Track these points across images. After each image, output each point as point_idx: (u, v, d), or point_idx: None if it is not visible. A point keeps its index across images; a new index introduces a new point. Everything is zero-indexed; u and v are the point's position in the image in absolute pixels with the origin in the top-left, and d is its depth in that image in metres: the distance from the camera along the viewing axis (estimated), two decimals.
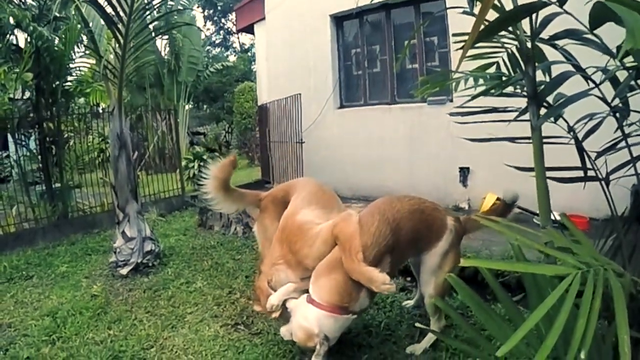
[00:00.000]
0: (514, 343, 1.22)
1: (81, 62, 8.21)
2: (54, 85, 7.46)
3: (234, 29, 33.46)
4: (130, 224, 5.28)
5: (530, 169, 2.42)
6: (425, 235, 3.06)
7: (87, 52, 7.88)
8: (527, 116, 2.55)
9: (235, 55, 29.74)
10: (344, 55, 9.20)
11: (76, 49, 7.65)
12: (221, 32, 34.58)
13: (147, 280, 4.89)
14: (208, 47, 29.20)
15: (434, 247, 3.08)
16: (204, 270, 5.04)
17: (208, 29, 34.04)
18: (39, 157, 7.61)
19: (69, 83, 8.03)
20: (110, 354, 3.38)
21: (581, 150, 2.66)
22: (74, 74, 8.18)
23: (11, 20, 6.71)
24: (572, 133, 2.69)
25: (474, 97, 2.87)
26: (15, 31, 7.02)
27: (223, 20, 33.90)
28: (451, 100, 7.42)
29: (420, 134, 7.79)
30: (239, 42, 34.93)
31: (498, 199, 6.43)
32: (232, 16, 31.44)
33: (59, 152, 7.65)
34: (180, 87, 14.72)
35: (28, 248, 6.37)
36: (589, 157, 2.66)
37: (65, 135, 8.49)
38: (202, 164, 10.38)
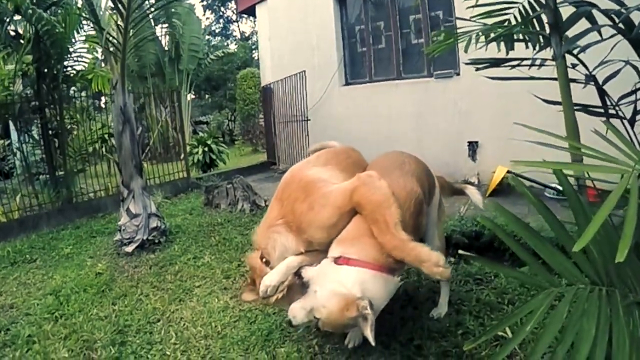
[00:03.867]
0: (589, 237, 1.06)
1: (82, 47, 8.06)
2: (55, 71, 7.31)
3: (234, 17, 33.29)
4: (135, 201, 5.15)
5: (557, 103, 2.30)
6: (431, 186, 2.87)
7: (88, 37, 7.75)
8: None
9: (235, 44, 29.49)
10: (348, 32, 9.09)
11: (77, 35, 7.53)
12: (221, 20, 34.35)
13: (153, 257, 4.77)
14: (208, 37, 29.00)
15: (434, 198, 2.92)
16: (212, 246, 4.91)
17: (208, 18, 33.88)
18: (42, 143, 7.47)
19: (69, 68, 7.87)
20: (114, 328, 3.27)
21: (602, 92, 2.54)
22: (75, 59, 8.00)
23: (9, 6, 6.55)
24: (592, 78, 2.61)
25: (489, 42, 2.71)
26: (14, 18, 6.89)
27: (222, 9, 33.69)
28: (458, 74, 7.31)
29: (428, 109, 7.67)
30: (239, 30, 34.73)
31: (508, 171, 6.28)
32: (232, 4, 31.23)
33: (62, 137, 7.52)
34: (181, 76, 14.57)
35: (32, 233, 6.27)
36: (610, 99, 2.55)
37: (68, 126, 8.37)
38: (206, 149, 10.28)
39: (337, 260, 2.22)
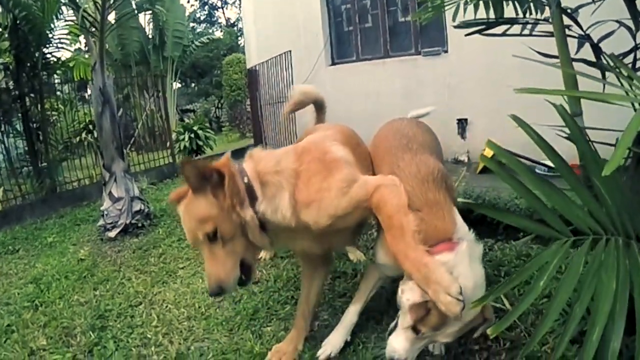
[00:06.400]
0: (621, 156, 0.95)
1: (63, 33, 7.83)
2: (34, 58, 7.12)
3: (219, 4, 32.88)
4: (117, 184, 4.99)
5: (554, 56, 2.19)
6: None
7: (70, 25, 7.54)
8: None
9: (221, 31, 29.12)
10: (334, 11, 8.98)
11: (56, 21, 7.33)
12: (205, 7, 33.87)
13: (137, 241, 4.64)
14: (193, 24, 28.58)
15: None
16: None
17: (192, 5, 33.35)
18: (23, 133, 7.28)
19: (49, 55, 7.66)
20: (95, 313, 3.15)
21: (597, 50, 2.42)
22: (55, 45, 7.78)
23: None
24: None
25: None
26: None
27: None
28: (446, 51, 7.25)
29: (416, 87, 7.59)
30: (225, 16, 34.37)
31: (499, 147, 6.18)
32: None
33: (44, 126, 7.34)
34: (166, 63, 14.36)
35: (16, 225, 6.11)
36: (606, 58, 2.44)
37: (53, 117, 8.18)
38: (192, 135, 10.12)
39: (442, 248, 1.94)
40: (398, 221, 1.92)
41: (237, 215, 1.95)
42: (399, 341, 1.90)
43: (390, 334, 1.99)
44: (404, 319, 1.90)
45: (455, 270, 1.82)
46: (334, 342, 2.33)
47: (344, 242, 2.49)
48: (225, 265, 1.94)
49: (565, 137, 1.61)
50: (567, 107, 1.93)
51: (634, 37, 2.37)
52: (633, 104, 1.63)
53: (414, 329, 1.86)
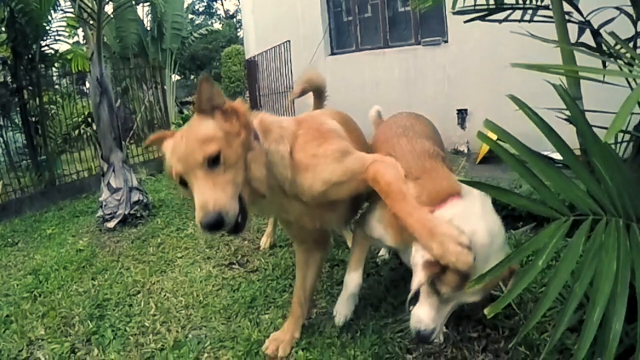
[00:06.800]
0: (625, 116, 0.96)
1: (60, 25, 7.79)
2: (32, 51, 7.09)
3: None
4: (116, 174, 4.97)
5: (553, 41, 2.15)
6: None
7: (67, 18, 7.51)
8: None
9: (220, 23, 29.02)
10: (333, 1, 8.92)
11: (54, 14, 7.29)
12: None
13: (136, 231, 4.63)
14: (192, 16, 28.48)
15: None
16: None
17: None
18: (21, 126, 7.26)
19: (47, 48, 7.62)
20: (93, 303, 3.14)
21: (597, 35, 2.39)
22: (52, 37, 7.74)
23: None
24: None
25: None
26: None
27: None
28: (446, 41, 7.19)
29: (416, 77, 7.56)
30: (223, 8, 34.24)
31: (499, 139, 6.16)
32: None
33: (42, 118, 7.31)
34: (165, 55, 14.27)
35: (15, 218, 6.08)
36: (608, 34, 2.41)
37: (52, 111, 8.16)
38: None
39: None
40: (397, 187, 1.90)
41: (246, 139, 1.84)
42: (423, 310, 1.77)
43: (410, 304, 1.86)
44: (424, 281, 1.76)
45: (466, 217, 1.75)
46: (342, 310, 2.31)
47: (337, 219, 2.43)
48: (225, 191, 1.69)
49: (565, 119, 1.59)
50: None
51: (635, 25, 2.35)
52: (629, 82, 1.61)
53: (436, 291, 1.74)
